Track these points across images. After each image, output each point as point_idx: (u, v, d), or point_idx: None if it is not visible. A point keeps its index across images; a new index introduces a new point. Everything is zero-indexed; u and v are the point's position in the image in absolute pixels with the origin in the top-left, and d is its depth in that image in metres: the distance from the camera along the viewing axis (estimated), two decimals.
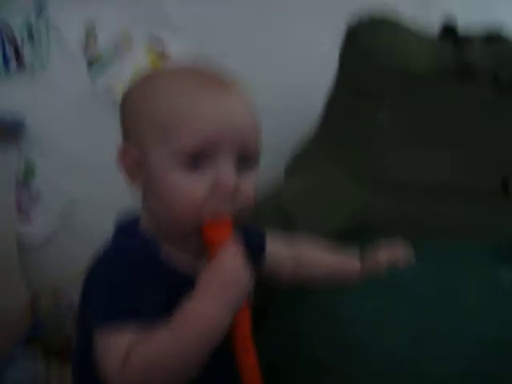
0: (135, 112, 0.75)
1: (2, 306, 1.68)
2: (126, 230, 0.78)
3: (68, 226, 1.96)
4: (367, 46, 1.35)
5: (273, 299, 1.20)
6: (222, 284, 0.65)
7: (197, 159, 0.68)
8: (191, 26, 1.87)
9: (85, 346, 0.72)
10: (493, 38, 1.38)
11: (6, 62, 1.87)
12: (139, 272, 0.67)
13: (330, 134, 1.44)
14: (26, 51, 1.87)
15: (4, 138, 1.71)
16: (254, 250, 0.92)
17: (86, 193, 1.93)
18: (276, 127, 1.85)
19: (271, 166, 1.70)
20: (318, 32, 1.87)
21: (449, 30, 1.43)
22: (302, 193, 1.30)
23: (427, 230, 1.28)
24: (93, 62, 1.87)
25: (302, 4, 1.89)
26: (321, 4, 1.88)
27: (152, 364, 0.60)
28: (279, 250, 1.00)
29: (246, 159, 0.71)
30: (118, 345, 0.62)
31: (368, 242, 1.09)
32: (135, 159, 0.73)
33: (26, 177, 1.91)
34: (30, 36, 1.87)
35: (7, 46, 1.87)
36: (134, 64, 1.86)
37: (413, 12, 1.64)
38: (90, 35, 1.86)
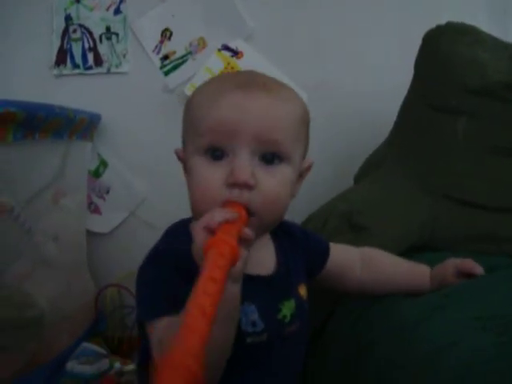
0: (183, 114, 0.80)
1: (72, 299, 1.71)
2: (174, 231, 0.81)
3: (134, 224, 1.99)
4: (447, 55, 1.29)
5: (341, 302, 1.18)
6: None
7: (217, 152, 0.70)
8: (265, 32, 1.87)
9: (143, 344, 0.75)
10: None
11: (84, 57, 1.92)
12: (178, 271, 0.68)
13: (402, 145, 1.39)
14: (103, 48, 1.91)
15: (82, 132, 1.76)
16: (317, 254, 0.94)
17: (155, 190, 1.95)
18: (348, 134, 1.83)
19: (340, 173, 1.68)
20: (391, 41, 1.83)
21: None
22: (373, 204, 1.26)
23: (497, 247, 1.21)
24: (166, 57, 1.89)
25: (377, 11, 1.86)
26: (397, 14, 1.85)
27: None
28: (346, 253, 0.99)
29: (272, 156, 0.71)
30: (154, 334, 0.66)
31: (437, 256, 1.04)
32: (183, 159, 0.79)
33: (98, 170, 1.96)
34: (108, 33, 1.91)
35: (86, 42, 1.92)
36: (206, 63, 1.86)
37: (490, 23, 1.60)
38: (165, 32, 1.88)
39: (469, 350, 0.72)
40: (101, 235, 1.99)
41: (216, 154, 0.70)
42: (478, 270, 0.97)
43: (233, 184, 0.68)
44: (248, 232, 0.61)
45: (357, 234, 1.17)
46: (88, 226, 1.95)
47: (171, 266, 0.70)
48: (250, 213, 0.68)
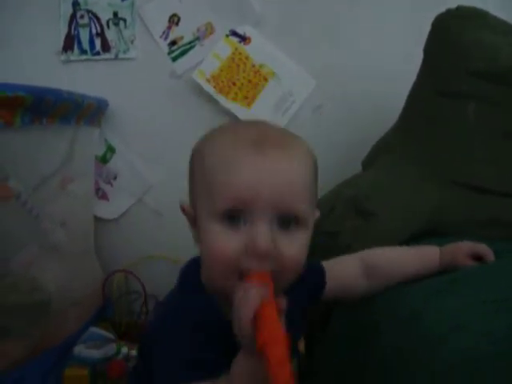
0: (192, 169, 0.77)
1: (79, 285, 1.72)
2: (189, 284, 0.79)
3: (141, 210, 1.99)
4: (457, 39, 1.27)
5: None
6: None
7: (234, 218, 0.68)
8: (273, 17, 1.86)
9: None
10: None
11: (91, 43, 1.91)
12: (202, 331, 0.68)
13: (410, 130, 1.37)
14: (111, 34, 1.91)
15: (89, 117, 1.75)
16: (314, 290, 0.92)
17: (162, 176, 1.95)
18: (357, 119, 1.82)
19: (349, 159, 1.68)
20: (402, 26, 1.81)
21: None
22: (381, 190, 1.25)
23: (505, 231, 1.20)
24: (174, 43, 1.88)
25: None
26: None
27: None
28: (342, 267, 0.97)
29: (289, 220, 0.69)
30: None
31: (445, 242, 1.03)
32: (191, 215, 0.75)
33: (106, 156, 1.96)
34: (115, 19, 1.90)
35: (93, 28, 1.91)
36: (214, 49, 1.85)
37: (501, 7, 1.58)
38: (173, 18, 1.87)
39: (478, 333, 0.72)
40: (108, 221, 2.00)
41: (233, 220, 0.68)
42: (491, 256, 0.96)
43: (253, 254, 0.66)
44: (284, 308, 0.61)
45: (364, 220, 1.17)
46: (95, 212, 1.95)
47: (197, 325, 0.69)
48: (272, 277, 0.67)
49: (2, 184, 1.48)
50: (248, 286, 0.62)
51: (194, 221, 0.75)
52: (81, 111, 1.65)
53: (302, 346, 0.86)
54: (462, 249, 0.96)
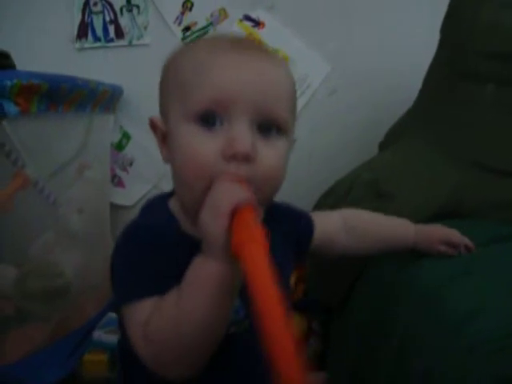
0: (162, 80, 0.72)
1: (96, 271, 1.73)
2: (152, 207, 0.75)
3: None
4: (473, 19, 1.25)
5: (360, 276, 1.18)
6: (202, 232, 0.57)
7: (210, 119, 0.62)
8: (287, 2, 1.85)
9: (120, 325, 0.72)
10: None
11: (105, 30, 1.92)
12: (155, 247, 0.64)
13: (427, 112, 1.36)
14: (124, 20, 1.91)
15: (104, 104, 1.76)
16: (303, 236, 0.88)
17: None
18: (373, 100, 1.81)
19: (364, 141, 1.67)
20: (418, 7, 1.79)
21: None
22: (399, 172, 1.24)
23: None
24: (188, 29, 1.88)
25: None
26: None
27: (165, 330, 0.57)
28: (328, 221, 0.94)
29: (270, 126, 0.64)
30: (137, 319, 0.60)
31: (463, 224, 1.03)
32: (162, 130, 0.70)
33: (121, 143, 1.96)
34: (128, 5, 1.90)
35: (107, 15, 1.91)
36: (229, 32, 1.84)
37: None
38: (186, 3, 1.86)
39: (498, 314, 0.72)
40: (124, 208, 2.01)
41: (209, 120, 0.62)
42: (469, 243, 0.95)
43: (232, 156, 0.61)
44: (261, 214, 0.58)
45: (382, 202, 1.16)
46: (112, 198, 1.97)
47: (152, 242, 0.65)
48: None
49: (20, 172, 1.49)
50: (226, 183, 0.59)
51: (163, 137, 0.70)
52: (96, 98, 1.66)
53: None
54: (437, 234, 0.96)
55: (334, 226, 0.94)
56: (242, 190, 0.57)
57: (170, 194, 0.75)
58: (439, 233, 0.96)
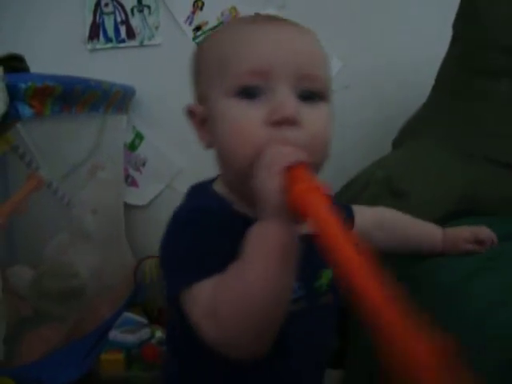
0: (199, 64, 0.72)
1: (111, 271, 1.75)
2: (200, 191, 0.75)
3: (171, 196, 2.01)
4: (486, 14, 1.24)
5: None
6: (257, 196, 0.57)
7: (253, 91, 0.62)
8: (299, 2, 1.84)
9: (170, 314, 0.72)
10: None
11: (116, 31, 1.92)
12: (212, 228, 0.63)
13: (440, 108, 1.36)
14: (135, 21, 1.91)
15: (117, 105, 1.77)
16: (347, 221, 0.87)
17: (190, 162, 1.96)
18: (387, 103, 1.80)
19: (377, 138, 1.66)
20: (429, 6, 1.77)
21: None
22: (413, 169, 1.24)
23: None
24: (199, 28, 1.88)
25: None
26: None
27: (234, 303, 0.56)
28: (363, 214, 0.93)
29: (309, 93, 0.64)
30: (201, 300, 0.59)
31: (476, 222, 1.02)
32: (200, 115, 0.70)
33: (134, 143, 1.97)
34: (139, 6, 1.90)
35: (118, 16, 1.92)
36: None
37: None
38: (197, 3, 1.86)
39: None
40: (138, 207, 2.02)
41: (250, 93, 0.62)
42: (495, 239, 0.94)
43: (277, 121, 0.60)
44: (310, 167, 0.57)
45: (397, 200, 1.16)
46: (125, 198, 1.97)
47: (207, 222, 0.64)
48: None
49: (34, 173, 1.50)
50: (277, 145, 0.59)
51: (201, 122, 0.70)
52: (109, 99, 1.67)
53: None
54: (464, 234, 0.95)
55: (367, 221, 0.94)
56: (293, 150, 0.57)
57: (212, 181, 0.75)
58: (466, 233, 0.95)
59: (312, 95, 0.65)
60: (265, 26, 0.66)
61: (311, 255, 0.62)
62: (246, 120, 0.62)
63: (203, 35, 1.87)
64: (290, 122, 0.61)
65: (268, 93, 0.62)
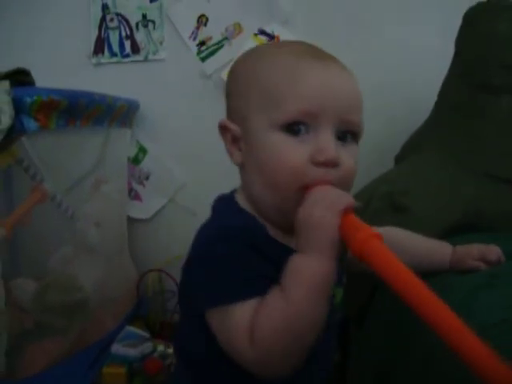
0: (239, 84, 0.74)
1: (114, 284, 1.75)
2: (226, 208, 0.75)
3: (174, 210, 2.02)
4: (488, 32, 1.26)
5: (381, 287, 1.18)
6: (308, 229, 0.61)
7: (298, 127, 0.66)
8: (302, 15, 1.85)
9: (188, 328, 0.74)
10: None
11: (121, 46, 1.94)
12: (250, 247, 0.64)
13: (443, 124, 1.36)
14: (140, 36, 1.93)
15: (121, 119, 1.78)
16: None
17: (194, 176, 1.97)
18: (391, 119, 1.81)
19: (381, 153, 1.67)
20: (432, 19, 1.78)
21: None
22: (416, 185, 1.24)
23: None
24: (203, 43, 1.89)
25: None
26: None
27: (277, 329, 0.58)
28: None
29: (346, 133, 0.69)
30: (239, 322, 0.60)
31: (479, 238, 1.02)
32: (234, 134, 0.72)
33: (138, 157, 1.98)
34: (144, 21, 1.92)
35: (123, 31, 1.94)
36: (243, 49, 1.85)
37: None
38: (201, 18, 1.88)
39: None
40: (142, 221, 2.02)
41: (295, 129, 0.66)
42: (502, 259, 0.94)
43: (321, 162, 0.65)
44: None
45: (400, 216, 1.16)
46: (129, 212, 1.98)
47: (245, 241, 0.65)
48: None
49: (38, 186, 1.51)
50: (329, 187, 0.64)
51: (234, 139, 0.72)
52: (113, 113, 1.68)
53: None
54: (472, 253, 0.94)
55: None
56: (347, 194, 0.63)
57: (233, 195, 0.76)
58: (474, 251, 0.95)
59: (348, 134, 0.69)
60: (312, 63, 0.68)
61: None
62: (292, 156, 0.65)
63: (207, 50, 1.89)
64: (332, 164, 0.65)
65: (312, 132, 0.66)
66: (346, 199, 0.61)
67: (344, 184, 0.67)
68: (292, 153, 0.65)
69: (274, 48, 0.77)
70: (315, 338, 0.60)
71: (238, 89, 0.74)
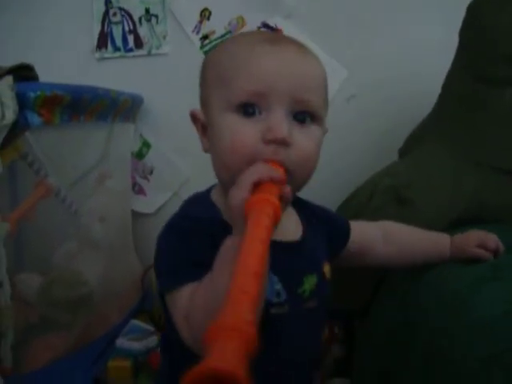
0: (205, 73, 0.78)
1: (119, 278, 1.75)
2: (195, 199, 0.80)
3: (178, 204, 2.01)
4: (492, 24, 1.25)
5: (386, 279, 1.18)
6: (230, 211, 0.62)
7: (251, 109, 0.68)
8: (305, 9, 1.84)
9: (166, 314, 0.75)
10: None
11: (124, 40, 1.94)
12: (195, 235, 0.68)
13: (446, 117, 1.36)
14: (143, 30, 1.93)
15: (125, 113, 1.78)
16: (339, 234, 0.92)
17: (198, 170, 1.96)
18: (393, 112, 1.80)
19: (384, 147, 1.67)
20: (435, 14, 1.78)
21: None
22: (419, 178, 1.24)
23: None
24: (206, 37, 1.89)
25: None
26: None
27: (201, 306, 0.60)
28: (365, 230, 0.97)
29: (304, 114, 0.70)
30: (178, 304, 0.64)
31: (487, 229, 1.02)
32: (202, 122, 0.76)
33: (141, 151, 1.98)
34: (147, 15, 1.92)
35: (126, 25, 1.93)
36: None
37: None
38: (204, 12, 1.88)
39: None
40: (146, 215, 2.03)
41: (249, 110, 0.68)
42: (501, 247, 0.95)
43: (270, 141, 0.66)
44: (289, 191, 0.61)
45: (403, 209, 1.16)
46: (133, 206, 1.98)
47: (194, 231, 0.69)
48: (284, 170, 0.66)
49: (42, 181, 1.51)
50: (259, 163, 0.64)
51: (203, 128, 0.76)
52: (117, 108, 1.68)
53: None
54: (471, 238, 0.96)
55: (372, 236, 0.97)
56: (267, 167, 0.63)
57: (211, 189, 0.80)
58: (473, 237, 0.96)
59: (306, 116, 0.71)
60: (266, 46, 0.70)
61: (293, 262, 0.72)
62: (243, 135, 0.68)
63: (210, 44, 1.89)
64: (281, 142, 0.66)
65: (264, 112, 0.68)
66: (263, 172, 0.61)
67: (299, 165, 0.68)
68: (243, 132, 0.67)
69: (237, 37, 0.81)
70: None
71: (203, 77, 0.79)
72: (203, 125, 0.76)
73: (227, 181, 0.69)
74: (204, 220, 0.71)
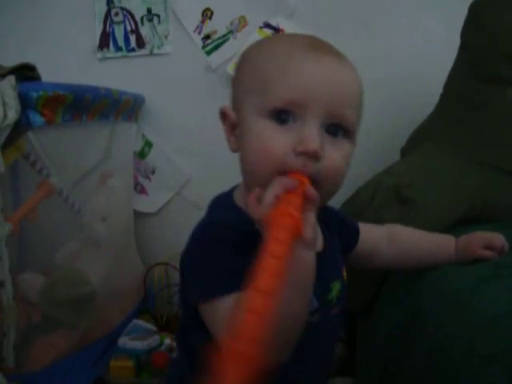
0: (240, 74, 0.75)
1: (121, 278, 1.75)
2: (221, 204, 0.78)
3: (180, 203, 2.02)
4: (493, 24, 1.25)
5: (388, 278, 1.18)
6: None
7: (285, 116, 0.66)
8: (307, 9, 1.85)
9: (184, 317, 0.76)
10: None
11: (126, 40, 1.94)
12: (234, 243, 0.66)
13: (448, 116, 1.36)
14: (145, 30, 1.93)
15: (127, 113, 1.78)
16: (349, 236, 0.92)
17: (199, 169, 1.97)
18: (396, 112, 1.80)
19: (387, 147, 1.67)
20: (438, 14, 1.78)
21: None
22: (421, 177, 1.24)
23: None
24: (208, 37, 1.89)
25: None
26: None
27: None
28: (372, 233, 0.97)
29: (338, 128, 0.68)
30: (221, 315, 0.62)
31: (484, 229, 1.02)
32: (233, 121, 0.73)
33: (143, 151, 1.98)
34: (149, 15, 1.92)
35: (128, 25, 1.94)
36: (248, 41, 1.85)
37: None
38: (206, 12, 1.88)
39: None
40: (148, 215, 2.03)
41: (282, 117, 0.66)
42: (505, 247, 0.94)
43: (302, 153, 0.64)
44: (312, 191, 0.60)
45: (405, 208, 1.16)
46: (135, 206, 1.98)
47: (229, 239, 0.67)
48: (312, 183, 0.64)
49: (45, 181, 1.51)
50: (283, 176, 0.62)
51: (232, 127, 0.74)
52: (119, 107, 1.68)
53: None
54: (476, 239, 0.95)
55: (377, 238, 0.97)
56: (291, 181, 0.61)
57: (233, 190, 0.79)
58: (479, 238, 0.96)
59: (339, 130, 0.68)
60: (305, 54, 0.68)
61: (320, 270, 0.67)
62: (274, 144, 0.65)
63: (212, 44, 1.89)
64: (312, 156, 0.64)
65: (298, 121, 0.66)
66: (289, 185, 0.59)
67: (325, 179, 0.67)
68: (274, 139, 0.66)
69: (276, 39, 0.78)
70: (296, 329, 0.60)
71: (238, 74, 0.76)
72: (233, 124, 0.74)
73: (251, 184, 0.69)
74: (238, 226, 0.68)
